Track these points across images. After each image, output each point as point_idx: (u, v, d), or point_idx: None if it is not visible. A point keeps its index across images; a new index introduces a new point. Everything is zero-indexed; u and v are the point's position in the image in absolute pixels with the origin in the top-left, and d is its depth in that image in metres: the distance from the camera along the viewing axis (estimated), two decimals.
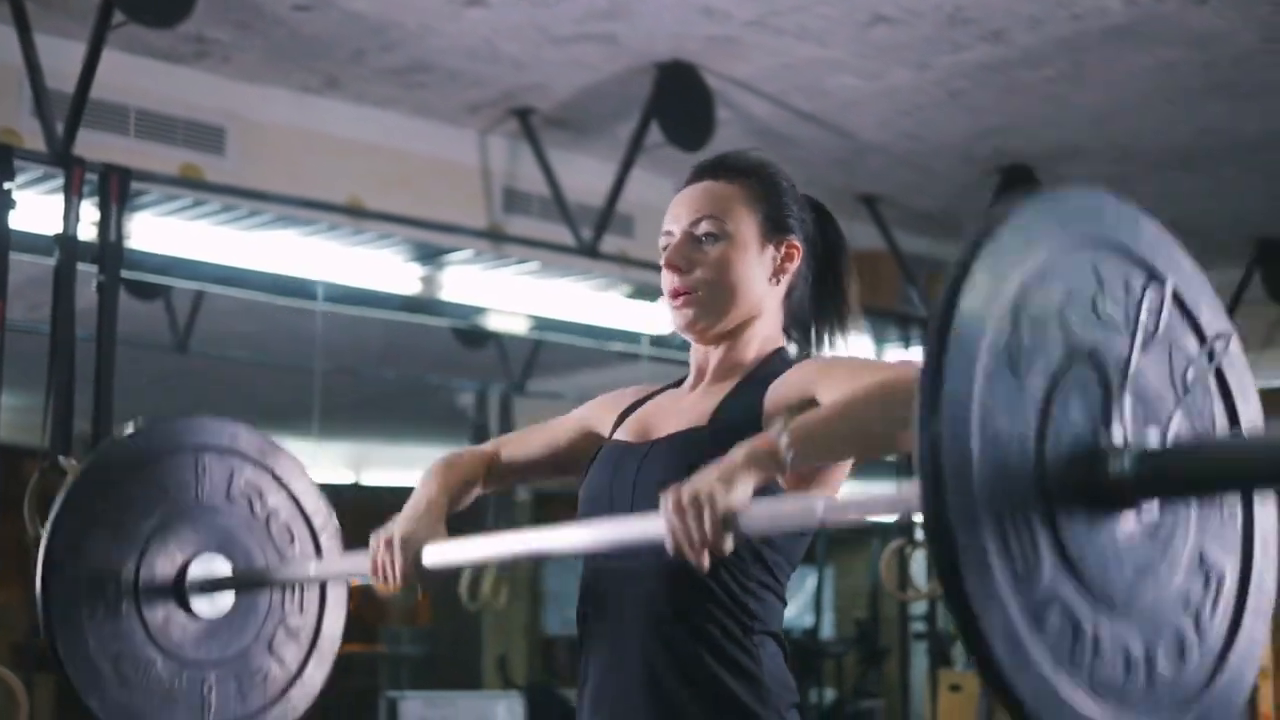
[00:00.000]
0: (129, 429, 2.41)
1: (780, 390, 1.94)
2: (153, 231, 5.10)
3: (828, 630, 12.17)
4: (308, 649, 2.50)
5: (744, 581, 1.91)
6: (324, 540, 2.50)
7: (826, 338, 2.15)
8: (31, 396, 3.96)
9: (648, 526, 1.70)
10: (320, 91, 5.15)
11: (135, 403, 4.10)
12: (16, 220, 4.64)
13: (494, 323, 6.68)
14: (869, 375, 1.78)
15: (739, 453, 1.68)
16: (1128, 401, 1.42)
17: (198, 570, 2.39)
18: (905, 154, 5.85)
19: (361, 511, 9.25)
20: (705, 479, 1.65)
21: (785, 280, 2.06)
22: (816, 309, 2.14)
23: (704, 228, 2.01)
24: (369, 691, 11.25)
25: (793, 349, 2.13)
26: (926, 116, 5.48)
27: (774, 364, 2.04)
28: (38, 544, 3.87)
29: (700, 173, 2.08)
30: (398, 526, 2.05)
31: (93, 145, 4.28)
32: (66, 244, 4.02)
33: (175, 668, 2.37)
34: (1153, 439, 1.42)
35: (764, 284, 2.03)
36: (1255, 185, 6.26)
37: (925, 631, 7.96)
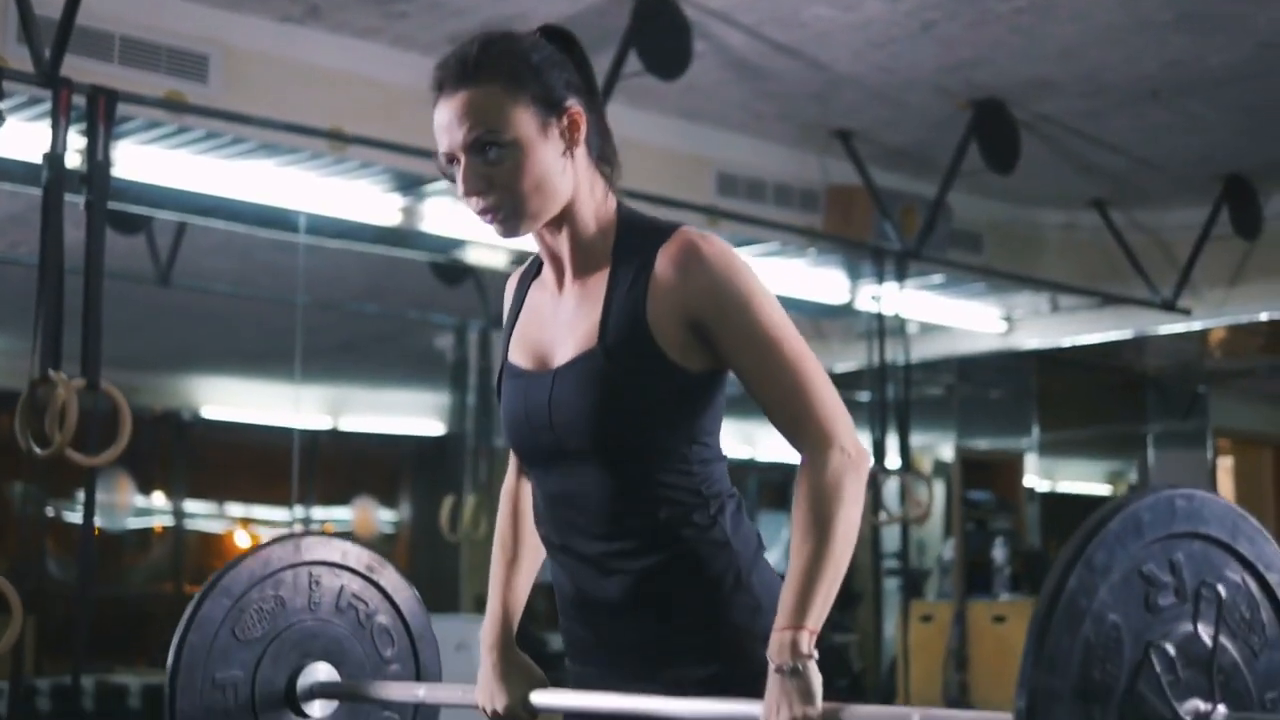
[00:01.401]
0: (252, 549, 2.57)
1: (663, 306, 1.94)
2: (136, 160, 5.18)
3: None
4: None
5: (687, 468, 2.00)
6: (421, 648, 2.67)
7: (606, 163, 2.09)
8: (12, 339, 4.01)
9: (749, 711, 1.88)
10: (302, 20, 5.21)
11: (119, 339, 4.17)
12: (3, 147, 4.72)
13: (473, 256, 6.77)
14: (784, 377, 1.92)
15: (791, 682, 1.81)
16: (1189, 676, 1.60)
17: (309, 677, 2.55)
18: (879, 87, 5.93)
19: (338, 457, 9.37)
20: (784, 711, 1.81)
21: (580, 146, 2.00)
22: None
23: (477, 134, 1.93)
24: None
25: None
26: (899, 49, 5.56)
27: (627, 238, 2.02)
28: (30, 456, 3.99)
29: (452, 81, 1.97)
30: (495, 697, 2.15)
31: (78, 71, 4.33)
32: (55, 164, 4.08)
33: None
34: (1220, 708, 1.61)
35: (563, 164, 1.97)
36: (1223, 121, 6.36)
37: (898, 568, 8.09)
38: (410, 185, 5.63)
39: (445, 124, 1.96)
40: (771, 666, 1.84)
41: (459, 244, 6.40)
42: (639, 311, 1.94)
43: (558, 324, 2.04)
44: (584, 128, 2.00)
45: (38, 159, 4.24)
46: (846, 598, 11.28)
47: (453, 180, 1.99)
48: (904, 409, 6.82)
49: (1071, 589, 1.51)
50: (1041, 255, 7.81)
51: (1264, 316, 7.57)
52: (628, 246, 2.00)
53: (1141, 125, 6.37)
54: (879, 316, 6.89)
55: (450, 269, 7.36)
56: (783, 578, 1.92)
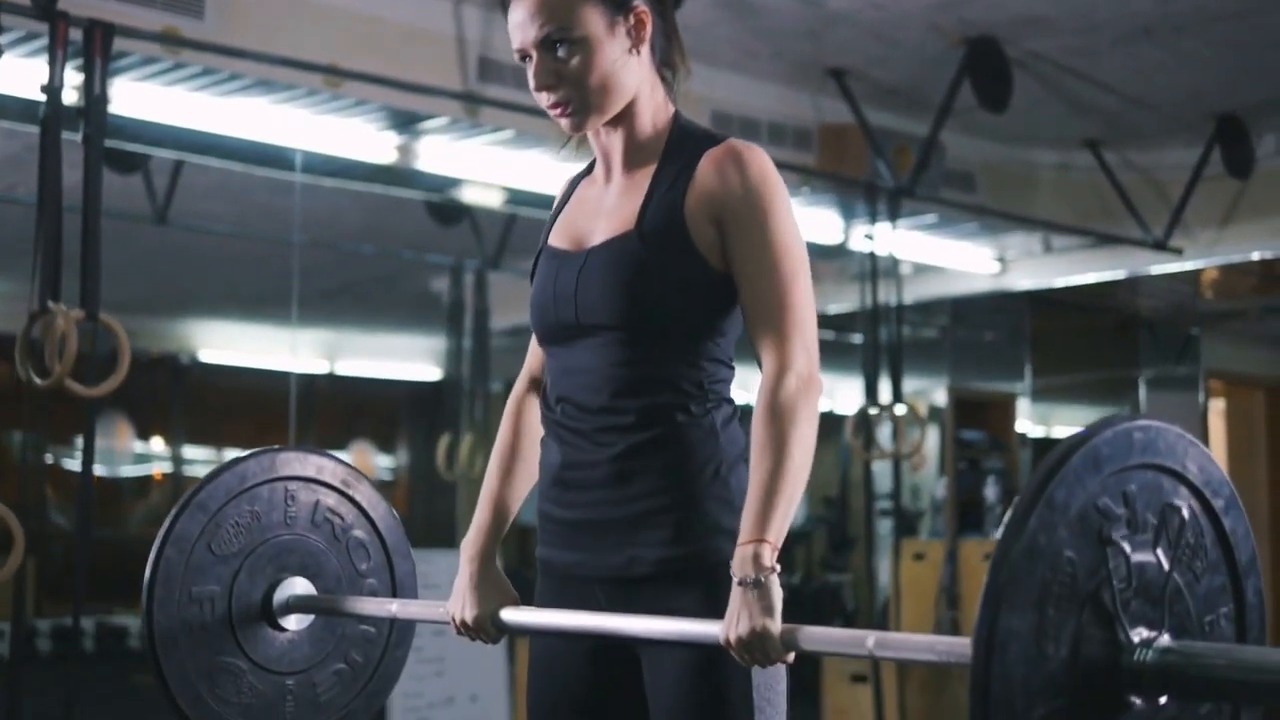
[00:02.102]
0: (228, 460, 2.59)
1: (699, 202, 2.05)
2: (132, 97, 5.20)
3: (799, 518, 12.39)
4: (384, 644, 2.68)
5: (698, 361, 2.07)
6: (396, 562, 2.70)
7: (672, 74, 2.19)
8: (10, 282, 4.04)
9: (707, 631, 1.93)
10: None
11: (116, 281, 4.20)
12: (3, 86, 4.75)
13: (469, 195, 6.79)
14: (778, 316, 2.03)
15: (753, 594, 1.87)
16: (1136, 605, 1.67)
17: (285, 591, 2.59)
18: (872, 24, 5.95)
19: (335, 401, 9.44)
20: (743, 623, 1.87)
21: (645, 47, 2.11)
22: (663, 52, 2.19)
23: (547, 30, 2.05)
24: None
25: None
26: None
27: (678, 142, 2.12)
28: (29, 389, 4.03)
29: None
30: (466, 607, 2.21)
31: (74, 5, 4.35)
32: (53, 96, 4.11)
33: (263, 676, 2.57)
34: (1163, 636, 1.67)
35: (629, 65, 2.09)
36: (1217, 59, 6.37)
37: (890, 508, 8.15)
38: (406, 123, 5.65)
39: (519, 22, 2.07)
40: (734, 579, 1.90)
41: (455, 183, 6.43)
42: (678, 203, 2.05)
43: (600, 211, 2.14)
44: (649, 28, 2.10)
45: (34, 95, 4.26)
46: (841, 540, 11.36)
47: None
48: (897, 350, 6.87)
49: (1032, 528, 1.57)
50: (1035, 195, 7.84)
51: (1255, 256, 7.61)
52: (678, 148, 2.10)
53: (1134, 64, 6.38)
54: (872, 256, 6.92)
55: (446, 209, 7.39)
56: None
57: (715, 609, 1.96)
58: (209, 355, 11.39)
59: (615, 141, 2.14)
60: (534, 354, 2.31)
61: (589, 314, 2.07)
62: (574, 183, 2.27)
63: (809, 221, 7.28)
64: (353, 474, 2.68)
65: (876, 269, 6.89)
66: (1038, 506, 1.58)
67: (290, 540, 2.60)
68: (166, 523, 2.50)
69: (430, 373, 11.18)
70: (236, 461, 2.58)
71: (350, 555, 2.65)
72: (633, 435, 2.06)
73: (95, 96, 4.22)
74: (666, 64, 2.16)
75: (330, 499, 2.64)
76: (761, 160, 2.06)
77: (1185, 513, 1.73)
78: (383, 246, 8.50)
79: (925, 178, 6.70)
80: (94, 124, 4.22)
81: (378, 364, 11.62)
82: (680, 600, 2.04)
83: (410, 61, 5.43)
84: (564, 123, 2.10)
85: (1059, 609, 1.59)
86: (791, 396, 1.97)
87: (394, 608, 2.49)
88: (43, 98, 4.15)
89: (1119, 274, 8.11)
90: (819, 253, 7.90)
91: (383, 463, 13.19)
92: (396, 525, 2.71)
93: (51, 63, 4.13)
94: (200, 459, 12.82)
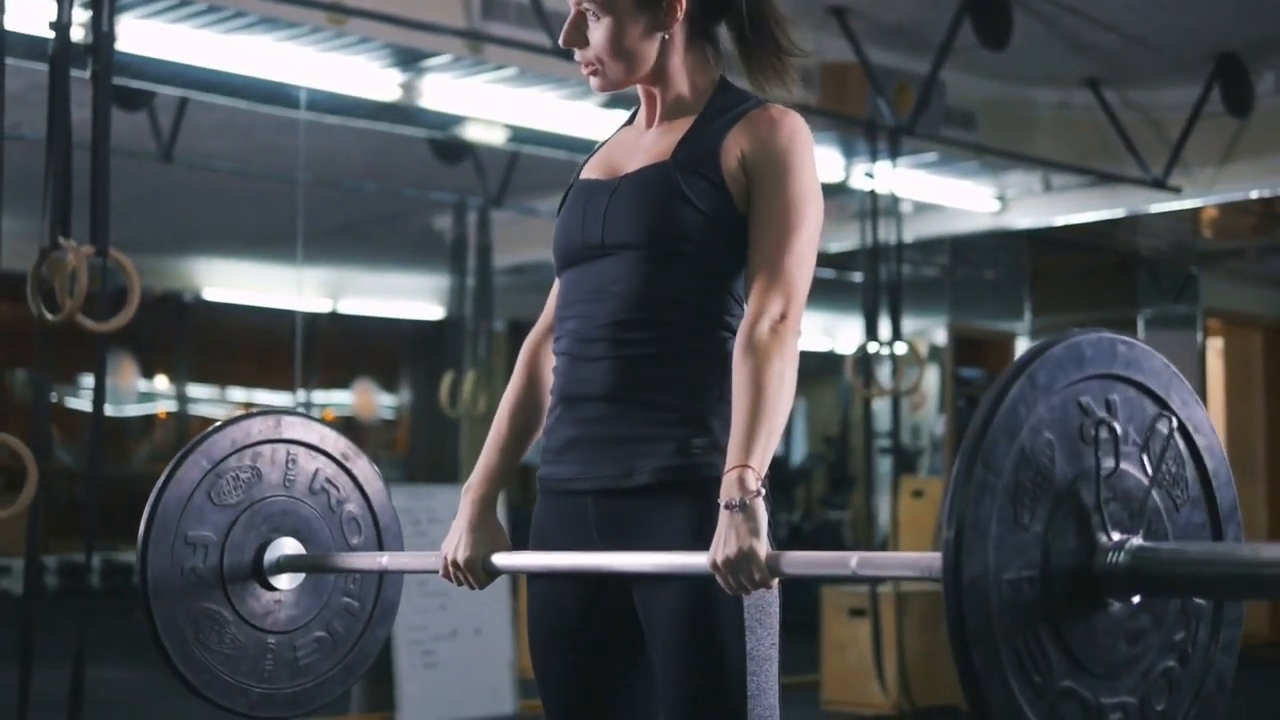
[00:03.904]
0: (235, 415, 2.63)
1: (734, 146, 2.13)
2: (139, 35, 5.23)
3: (799, 456, 12.47)
4: (366, 619, 2.74)
5: (713, 290, 2.14)
6: (386, 539, 2.75)
7: (763, 52, 2.25)
8: (16, 220, 4.06)
9: (695, 561, 1.98)
10: None
11: (121, 219, 4.23)
12: (9, 19, 4.76)
13: (472, 133, 6.83)
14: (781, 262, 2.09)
15: (739, 516, 1.94)
16: (1114, 508, 1.70)
17: (277, 550, 2.63)
18: None
19: (338, 340, 9.48)
20: (731, 544, 1.93)
21: (676, 25, 2.21)
22: (743, 28, 2.25)
23: (584, 4, 2.20)
24: None
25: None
26: None
27: (725, 99, 2.22)
28: (39, 325, 4.09)
29: None
30: (460, 548, 2.26)
31: None
32: (61, 33, 4.14)
33: (248, 632, 2.61)
34: (1136, 538, 1.70)
35: (654, 43, 2.20)
36: None
37: (890, 446, 8.22)
38: (410, 60, 5.68)
39: None
40: (721, 503, 1.96)
41: (458, 120, 6.47)
42: (715, 144, 2.15)
43: (638, 148, 2.24)
44: (681, 13, 2.20)
45: (42, 32, 4.29)
46: (841, 478, 11.46)
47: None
48: (897, 288, 6.92)
49: (1013, 397, 1.61)
50: (1034, 134, 7.86)
51: (1254, 195, 7.64)
52: (720, 104, 2.21)
53: (1135, 2, 6.39)
54: (872, 195, 6.96)
55: (449, 146, 7.43)
56: None
57: (706, 521, 2.02)
58: (213, 293, 11.44)
59: (656, 97, 2.25)
60: (553, 300, 2.35)
61: (615, 233, 2.15)
62: (613, 134, 2.37)
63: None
64: (353, 448, 2.73)
65: (877, 207, 6.94)
66: (1019, 379, 1.63)
67: (287, 503, 2.64)
68: (169, 466, 2.55)
69: (433, 311, 11.23)
70: (243, 417, 2.62)
71: (343, 527, 2.69)
72: (641, 350, 2.13)
73: (103, 33, 4.25)
74: (712, 41, 2.25)
75: (329, 469, 2.69)
76: (796, 124, 2.15)
77: (1167, 438, 1.76)
78: (386, 184, 8.53)
79: (925, 116, 6.73)
80: (102, 61, 4.26)
81: (381, 302, 11.66)
82: (671, 511, 2.10)
83: (414, 0, 5.45)
84: (594, 81, 2.24)
85: (1035, 490, 1.63)
86: (764, 338, 2.04)
87: (384, 560, 2.54)
88: (51, 34, 4.18)
89: (1118, 213, 8.14)
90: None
91: (385, 401, 13.27)
92: (389, 505, 2.76)
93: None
94: (204, 397, 12.89)
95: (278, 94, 5.92)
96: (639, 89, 2.27)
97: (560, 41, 2.25)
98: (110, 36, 4.27)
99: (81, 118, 4.24)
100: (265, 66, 5.57)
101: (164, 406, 12.80)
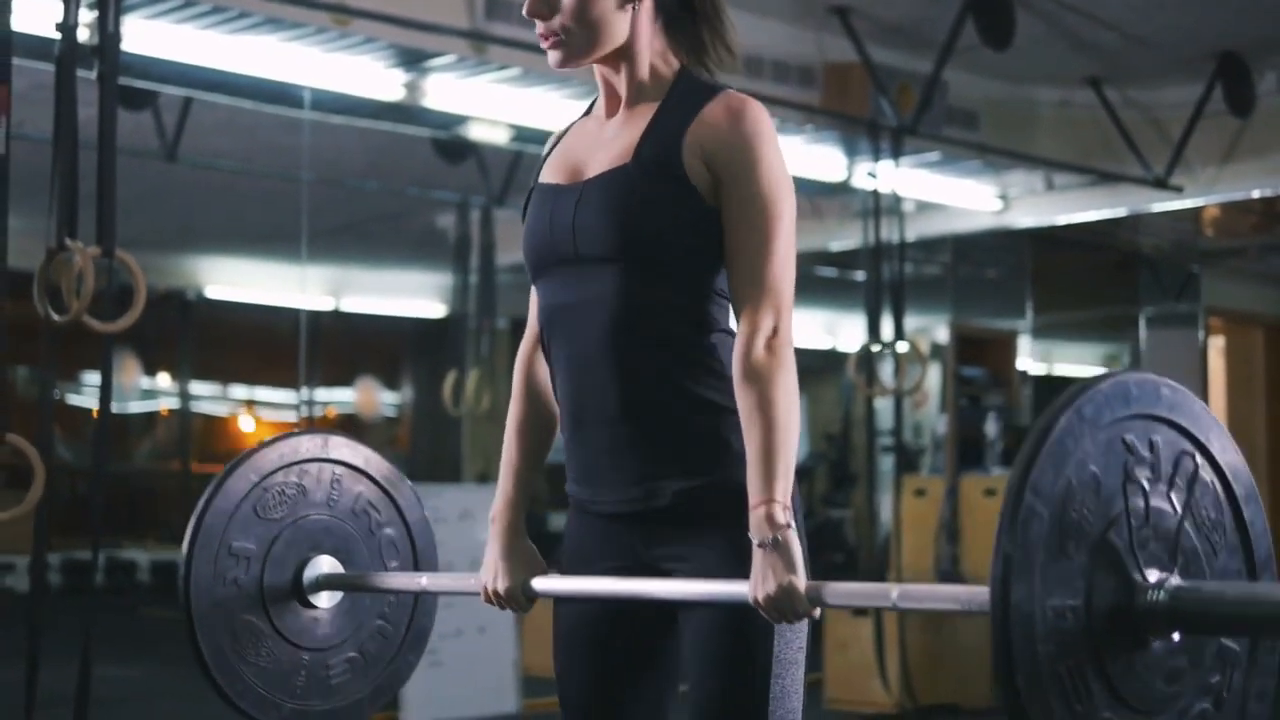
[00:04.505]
0: (282, 434, 2.67)
1: (695, 142, 2.09)
2: (144, 35, 5.25)
3: (801, 455, 12.47)
4: (399, 643, 2.76)
5: (696, 292, 2.12)
6: (422, 565, 2.77)
7: (702, 45, 2.22)
8: (20, 219, 4.06)
9: (735, 590, 2.00)
10: None
11: (124, 217, 4.23)
12: (15, 20, 4.78)
13: (475, 133, 6.85)
14: (762, 270, 2.05)
15: (773, 554, 1.95)
16: (1155, 547, 1.73)
17: (316, 568, 2.66)
18: None
19: (341, 338, 9.48)
20: (769, 582, 1.94)
21: (645, 4, 2.17)
22: (689, 17, 2.22)
23: None
24: None
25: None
26: None
27: (684, 88, 2.17)
28: (46, 325, 4.10)
29: None
30: (498, 578, 2.27)
31: None
32: (68, 34, 4.15)
33: (283, 647, 2.64)
34: (1175, 578, 1.73)
35: (623, 16, 2.15)
36: None
37: (892, 445, 8.24)
38: (413, 60, 5.70)
39: None
40: (754, 543, 1.96)
41: (461, 120, 6.48)
42: (675, 140, 2.09)
43: (599, 143, 2.18)
44: None
45: (46, 34, 4.30)
46: (843, 476, 11.47)
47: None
48: (899, 287, 6.94)
49: (1061, 429, 1.64)
50: (1037, 133, 7.88)
51: (1256, 194, 7.66)
52: (682, 92, 2.16)
53: (1136, 1, 6.41)
54: (875, 194, 6.97)
55: (452, 145, 7.44)
56: None
57: (738, 532, 2.02)
58: (215, 291, 11.45)
59: (619, 80, 2.19)
60: (535, 310, 2.31)
61: (588, 245, 2.11)
62: (570, 127, 2.31)
63: (812, 159, 7.33)
64: (396, 473, 2.77)
65: (879, 206, 6.95)
66: (1068, 411, 1.65)
67: (329, 522, 2.67)
68: (218, 477, 2.58)
69: (436, 309, 11.24)
70: (292, 434, 2.67)
71: (381, 550, 2.72)
72: (640, 368, 2.11)
73: (109, 34, 4.27)
74: (674, 25, 2.20)
75: (372, 492, 2.72)
76: (756, 114, 2.10)
77: (1207, 482, 1.79)
78: (389, 183, 8.55)
79: (928, 116, 6.74)
80: (108, 62, 4.27)
81: (384, 301, 11.67)
82: (702, 529, 2.10)
83: (418, 1, 5.47)
84: (551, 55, 2.17)
85: (1080, 522, 1.65)
86: (762, 359, 2.03)
87: (424, 581, 2.56)
88: (57, 35, 4.19)
89: (1120, 212, 8.15)
90: (822, 190, 7.96)
91: (388, 399, 13.28)
92: (428, 531, 2.79)
93: (66, 0, 4.17)
94: (207, 395, 12.91)
95: (282, 94, 5.94)
96: (598, 75, 2.21)
97: (525, 9, 2.16)
98: (116, 37, 4.28)
99: (86, 116, 4.25)
100: (270, 67, 5.58)
101: (166, 403, 12.82)
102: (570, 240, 2.12)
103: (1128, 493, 1.70)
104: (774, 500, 1.97)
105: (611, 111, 2.20)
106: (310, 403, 11.45)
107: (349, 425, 13.17)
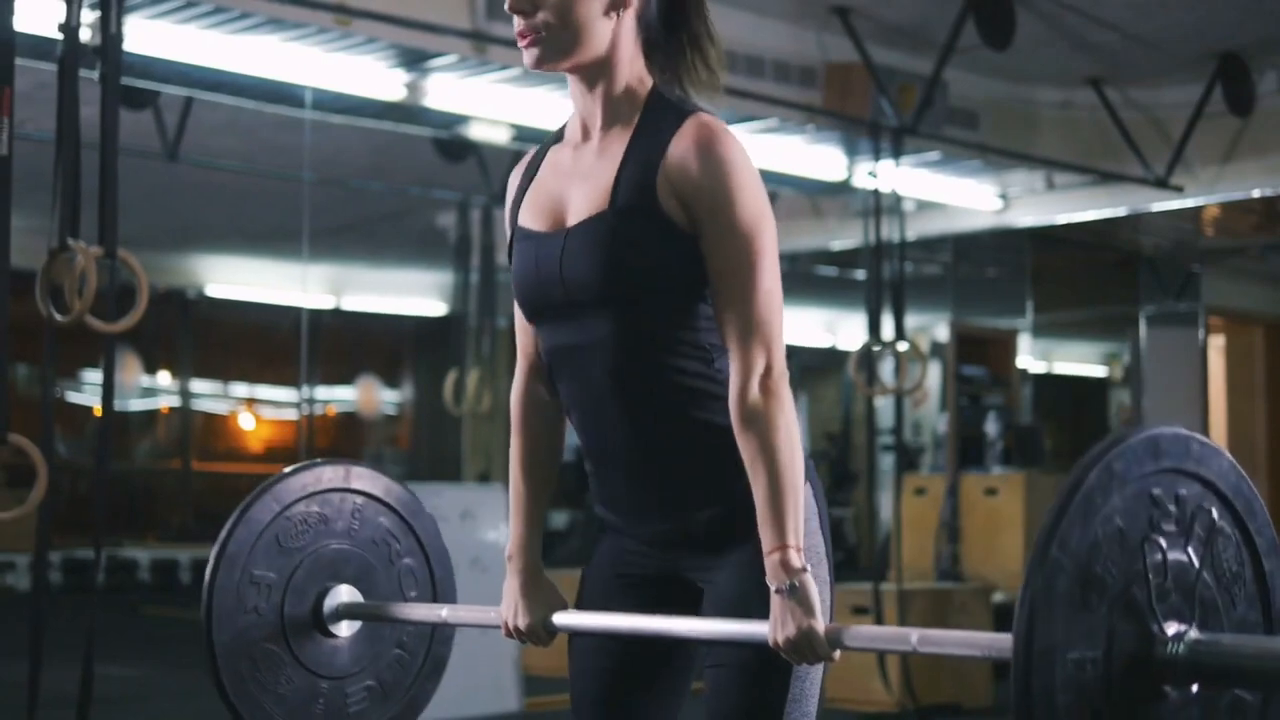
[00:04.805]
0: (304, 464, 2.68)
1: (668, 180, 2.05)
2: (146, 35, 5.26)
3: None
4: (416, 672, 2.78)
5: (693, 323, 2.10)
6: (441, 594, 2.78)
7: (682, 65, 2.18)
8: (22, 218, 4.07)
9: (755, 631, 2.01)
10: None
11: (124, 216, 4.24)
12: (18, 20, 4.79)
13: (476, 132, 6.86)
14: (750, 307, 2.03)
15: (791, 600, 1.95)
16: (1175, 600, 1.76)
17: (336, 597, 2.67)
18: None
19: (342, 336, 9.50)
20: (789, 626, 1.95)
21: (630, 11, 2.12)
22: (672, 35, 2.18)
23: None
24: None
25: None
26: None
27: (656, 112, 2.12)
28: (49, 325, 4.11)
29: None
30: (519, 615, 2.28)
31: None
32: (70, 35, 4.15)
33: (303, 674, 2.65)
34: (1194, 630, 1.76)
35: (605, 18, 2.10)
36: None
37: (892, 443, 8.25)
38: (415, 60, 5.71)
39: None
40: (771, 589, 1.97)
41: (462, 120, 6.49)
42: (650, 179, 2.05)
43: (574, 176, 2.15)
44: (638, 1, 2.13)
45: (48, 34, 4.31)
46: (844, 475, 11.48)
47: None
48: (899, 286, 6.95)
49: (1089, 484, 1.67)
50: (1037, 133, 7.89)
51: (1256, 193, 7.67)
52: (653, 118, 2.11)
53: (1137, 1, 6.42)
54: (876, 193, 6.98)
55: (453, 145, 7.45)
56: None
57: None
58: (216, 290, 11.46)
59: (594, 99, 2.15)
60: (525, 338, 2.30)
61: (578, 294, 2.09)
62: (539, 155, 2.26)
63: (813, 158, 7.34)
64: (417, 503, 2.79)
65: (880, 206, 6.96)
66: (1097, 467, 1.68)
67: (349, 551, 2.69)
68: (241, 504, 2.60)
69: (436, 308, 11.25)
70: (314, 464, 2.68)
71: (400, 580, 2.74)
72: (644, 405, 2.11)
73: (111, 35, 4.27)
74: (651, 43, 2.16)
75: (391, 521, 2.74)
76: (725, 144, 2.05)
77: (1230, 535, 1.83)
78: (390, 183, 8.56)
79: (929, 116, 6.75)
80: (110, 62, 4.27)
81: (384, 299, 11.68)
82: (734, 544, 2.11)
83: (419, 1, 5.48)
84: (527, 54, 2.12)
85: (1104, 576, 1.69)
86: (758, 402, 2.01)
87: (444, 613, 2.57)
88: (60, 36, 4.19)
89: (1120, 211, 8.16)
90: (822, 189, 7.97)
91: (388, 397, 13.30)
92: (447, 562, 2.80)
93: (69, 1, 4.17)
94: (207, 393, 12.92)
95: (283, 93, 5.95)
96: (572, 89, 2.17)
97: (507, 4, 2.11)
98: (118, 38, 4.28)
99: (87, 115, 4.26)
100: (271, 67, 5.59)
101: (167, 402, 12.83)
102: (560, 289, 2.11)
103: (1151, 547, 1.74)
104: (787, 545, 1.97)
105: (584, 135, 2.17)
106: (311, 401, 11.47)
107: (349, 423, 13.19)
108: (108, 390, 4.50)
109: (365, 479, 2.71)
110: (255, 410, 13.07)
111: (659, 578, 2.22)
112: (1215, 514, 1.81)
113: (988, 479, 8.36)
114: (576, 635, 2.28)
